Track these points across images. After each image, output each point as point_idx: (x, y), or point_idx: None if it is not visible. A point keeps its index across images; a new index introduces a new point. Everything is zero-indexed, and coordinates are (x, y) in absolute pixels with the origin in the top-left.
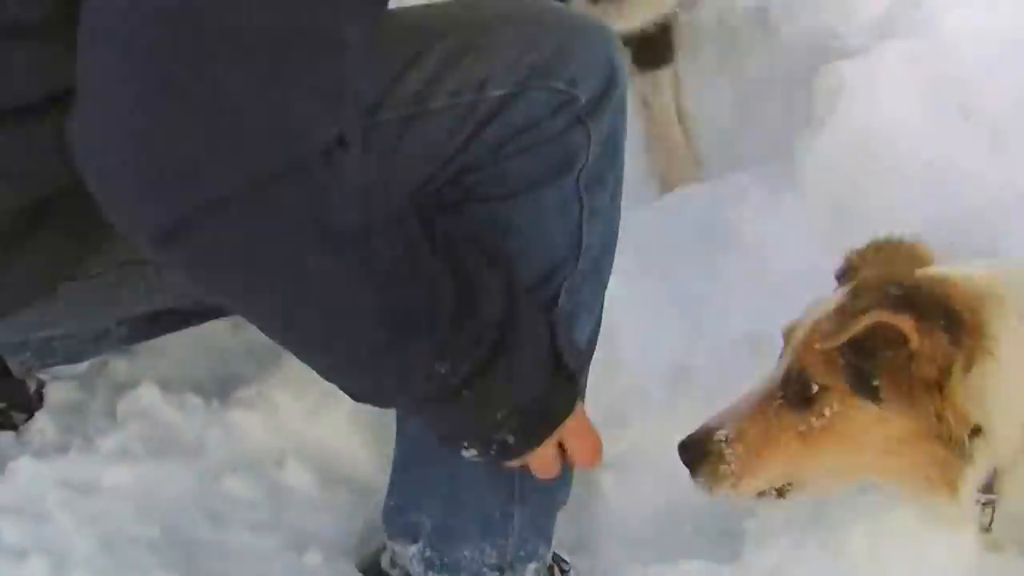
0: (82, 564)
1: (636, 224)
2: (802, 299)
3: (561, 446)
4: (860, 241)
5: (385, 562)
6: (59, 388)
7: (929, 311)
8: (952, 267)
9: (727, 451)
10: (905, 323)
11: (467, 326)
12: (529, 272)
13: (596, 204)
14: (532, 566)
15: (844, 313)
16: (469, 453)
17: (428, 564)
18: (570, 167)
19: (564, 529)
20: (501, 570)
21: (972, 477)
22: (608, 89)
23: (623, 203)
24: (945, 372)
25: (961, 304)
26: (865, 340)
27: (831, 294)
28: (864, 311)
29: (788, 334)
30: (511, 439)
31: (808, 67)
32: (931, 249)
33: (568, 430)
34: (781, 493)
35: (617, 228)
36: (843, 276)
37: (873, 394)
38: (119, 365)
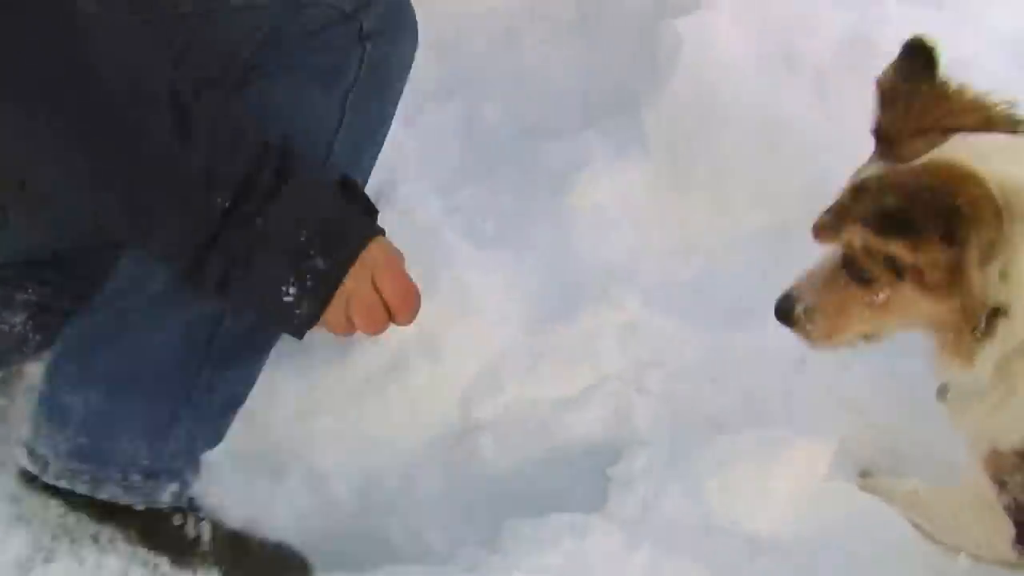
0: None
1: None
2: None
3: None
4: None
5: (22, 458)
6: None
7: (925, 222)
8: (970, 148)
9: (812, 319)
10: (896, 247)
11: (239, 159)
12: None
13: (356, 123)
14: (173, 487)
15: (840, 211)
16: (289, 294)
17: (76, 451)
18: (338, 80)
19: (444, 489)
20: (147, 476)
21: (990, 352)
22: (391, 22)
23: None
24: (954, 272)
25: (967, 199)
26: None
27: (866, 167)
28: (851, 221)
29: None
30: (321, 263)
31: (651, 16)
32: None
33: (381, 267)
34: (867, 339)
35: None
36: (877, 136)
37: (906, 282)
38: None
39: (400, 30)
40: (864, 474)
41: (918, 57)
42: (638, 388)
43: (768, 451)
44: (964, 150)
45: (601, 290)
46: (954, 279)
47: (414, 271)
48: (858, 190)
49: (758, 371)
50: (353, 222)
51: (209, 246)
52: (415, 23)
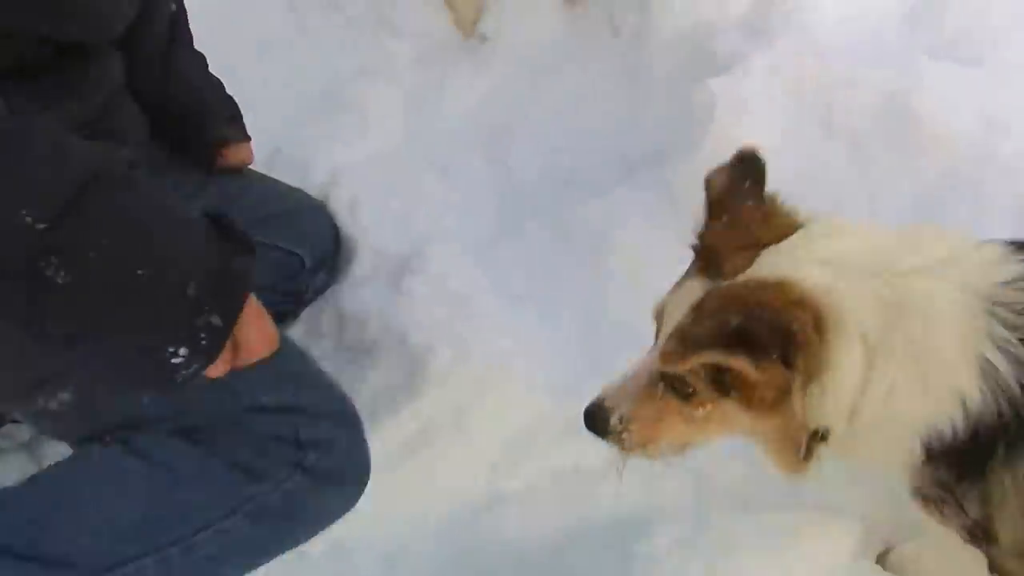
0: None
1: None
2: None
3: None
4: None
5: None
6: None
7: (764, 343)
8: (796, 270)
9: (626, 428)
10: (738, 362)
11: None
12: None
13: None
14: None
15: (684, 337)
16: (180, 355)
17: None
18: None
19: (469, 562)
20: None
21: (817, 468)
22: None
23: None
24: (784, 392)
25: (800, 324)
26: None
27: (687, 281)
28: (700, 347)
29: (658, 315)
30: (216, 319)
31: (686, 70)
32: (779, 202)
33: (254, 308)
34: (683, 448)
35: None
36: (696, 251)
37: (733, 398)
38: None
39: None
40: (885, 553)
41: (748, 167)
42: (666, 462)
43: (794, 530)
44: (784, 264)
45: (630, 354)
46: (780, 399)
47: (446, 347)
48: (697, 310)
49: None
50: (239, 261)
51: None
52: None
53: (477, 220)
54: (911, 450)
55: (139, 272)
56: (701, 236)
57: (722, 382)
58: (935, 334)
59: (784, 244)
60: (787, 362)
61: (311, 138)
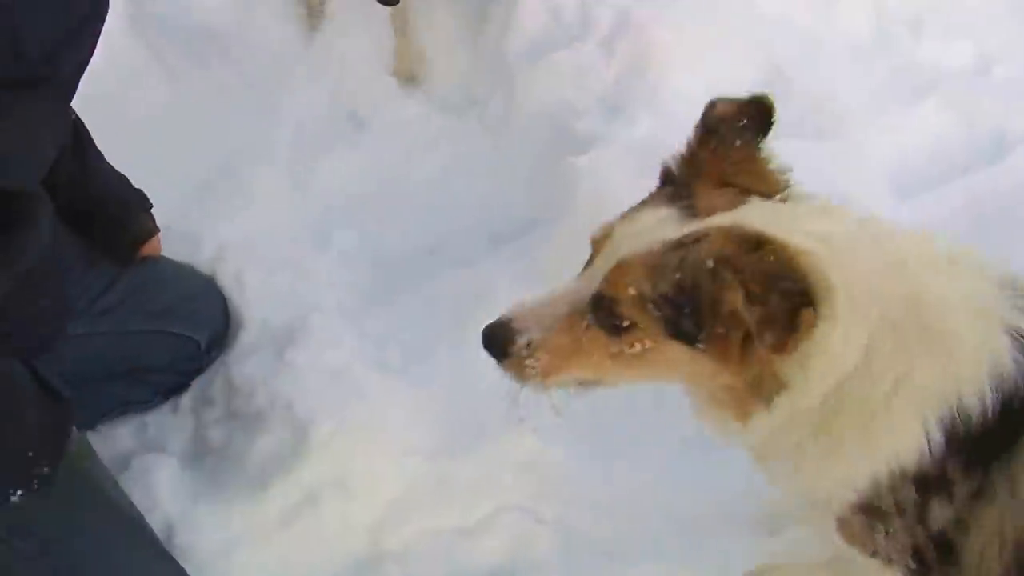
0: None
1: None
2: None
3: None
4: None
5: None
6: None
7: (783, 285)
8: (786, 230)
9: (532, 354)
10: (756, 312)
11: None
12: None
13: None
14: None
15: (674, 264)
16: (16, 495)
17: None
18: None
19: None
20: None
21: (767, 417)
22: None
23: None
24: (746, 346)
25: (807, 281)
26: (691, 296)
27: (649, 209)
28: (718, 287)
29: (598, 242)
30: (47, 469)
31: (549, 148)
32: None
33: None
34: (588, 384)
35: None
36: (667, 177)
37: (690, 341)
38: None
39: None
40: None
41: (759, 109)
42: (537, 519)
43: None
44: (769, 220)
45: (501, 420)
46: (743, 353)
47: (327, 415)
48: (696, 241)
49: (652, 501)
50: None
51: None
52: None
53: (353, 292)
54: (925, 434)
55: None
56: (681, 160)
57: (679, 323)
58: (953, 322)
59: (780, 206)
60: (793, 326)
61: (197, 216)
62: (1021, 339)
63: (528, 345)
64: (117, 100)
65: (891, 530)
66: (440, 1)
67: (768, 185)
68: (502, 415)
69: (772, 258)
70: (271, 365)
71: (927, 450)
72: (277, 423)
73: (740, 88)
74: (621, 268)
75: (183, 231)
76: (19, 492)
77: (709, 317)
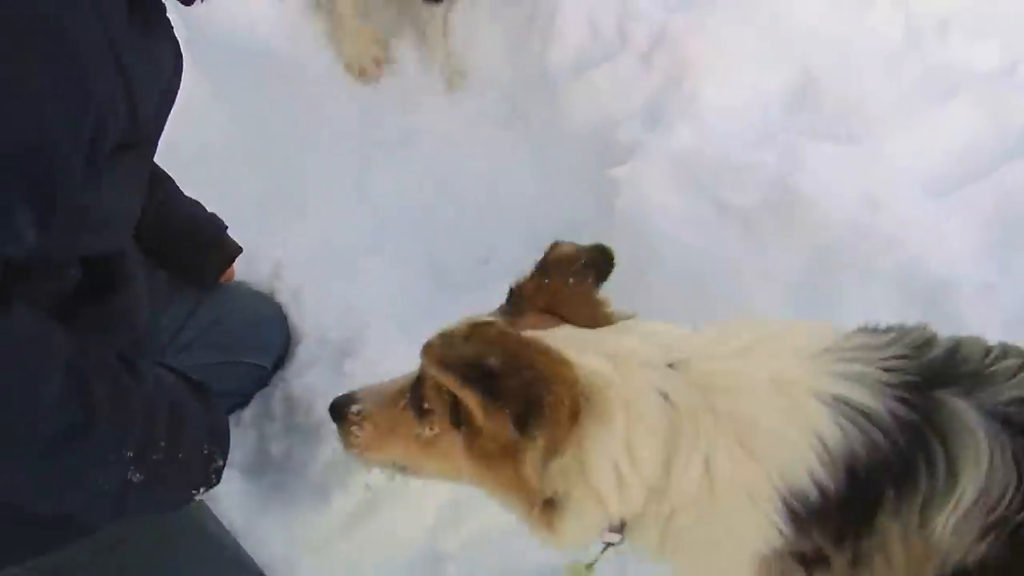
0: None
1: None
2: None
3: None
4: None
5: None
6: None
7: (506, 397)
8: (579, 354)
9: (358, 425)
10: (469, 397)
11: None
12: None
13: None
14: None
15: (446, 347)
16: (199, 492)
17: None
18: None
19: None
20: None
21: (571, 528)
22: None
23: None
24: (508, 454)
25: (555, 402)
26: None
27: (475, 319)
28: (450, 362)
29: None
30: (221, 461)
31: (591, 158)
32: (606, 303)
33: None
34: (403, 471)
35: None
36: (508, 302)
37: (463, 433)
38: None
39: None
40: None
41: (600, 258)
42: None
43: None
44: (569, 341)
45: None
46: (506, 457)
47: None
48: (474, 328)
49: None
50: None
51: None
52: None
53: (408, 301)
54: (768, 520)
55: (180, 455)
56: (518, 284)
57: (456, 413)
58: (751, 404)
59: (585, 332)
60: (521, 427)
61: (254, 234)
62: (841, 404)
63: (359, 414)
64: (172, 121)
65: None
66: (483, 16)
67: (593, 321)
68: None
69: (518, 357)
70: (329, 378)
71: (779, 536)
72: (336, 434)
73: (775, 96)
74: (429, 350)
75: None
76: (201, 489)
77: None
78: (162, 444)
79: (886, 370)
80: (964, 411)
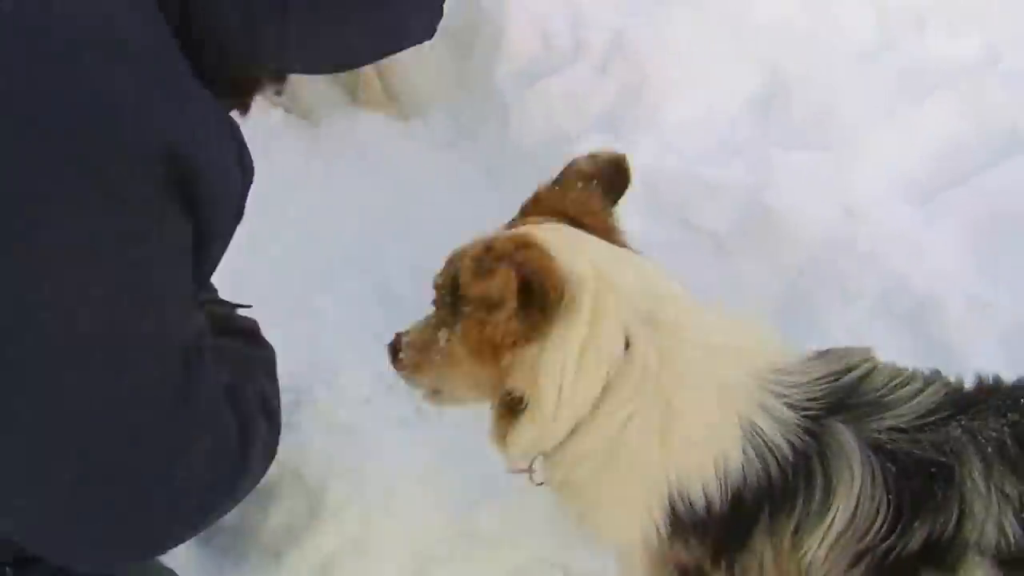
0: None
1: None
2: None
3: None
4: None
5: None
6: None
7: (491, 270)
8: (567, 247)
9: (403, 349)
10: (482, 284)
11: None
12: None
13: None
14: None
15: (450, 261)
16: None
17: None
18: None
19: None
20: None
21: (517, 439)
22: None
23: None
24: (505, 341)
25: (543, 282)
26: (455, 286)
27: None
28: (456, 259)
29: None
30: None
31: (545, 173)
32: (604, 206)
33: None
34: (435, 396)
35: None
36: (519, 212)
37: (456, 329)
38: None
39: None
40: None
41: (616, 173)
42: (564, 572)
43: None
44: (567, 245)
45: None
46: (489, 351)
47: (341, 478)
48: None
49: None
50: None
51: None
52: None
53: (363, 336)
54: (651, 514)
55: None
56: (535, 194)
57: (453, 310)
58: (695, 395)
59: (585, 235)
60: (525, 312)
61: None
62: (754, 434)
63: (405, 339)
64: None
65: None
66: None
67: (604, 233)
68: None
69: (510, 249)
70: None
71: (656, 535)
72: (289, 492)
73: (742, 104)
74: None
75: None
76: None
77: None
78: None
79: (807, 400)
80: (846, 439)
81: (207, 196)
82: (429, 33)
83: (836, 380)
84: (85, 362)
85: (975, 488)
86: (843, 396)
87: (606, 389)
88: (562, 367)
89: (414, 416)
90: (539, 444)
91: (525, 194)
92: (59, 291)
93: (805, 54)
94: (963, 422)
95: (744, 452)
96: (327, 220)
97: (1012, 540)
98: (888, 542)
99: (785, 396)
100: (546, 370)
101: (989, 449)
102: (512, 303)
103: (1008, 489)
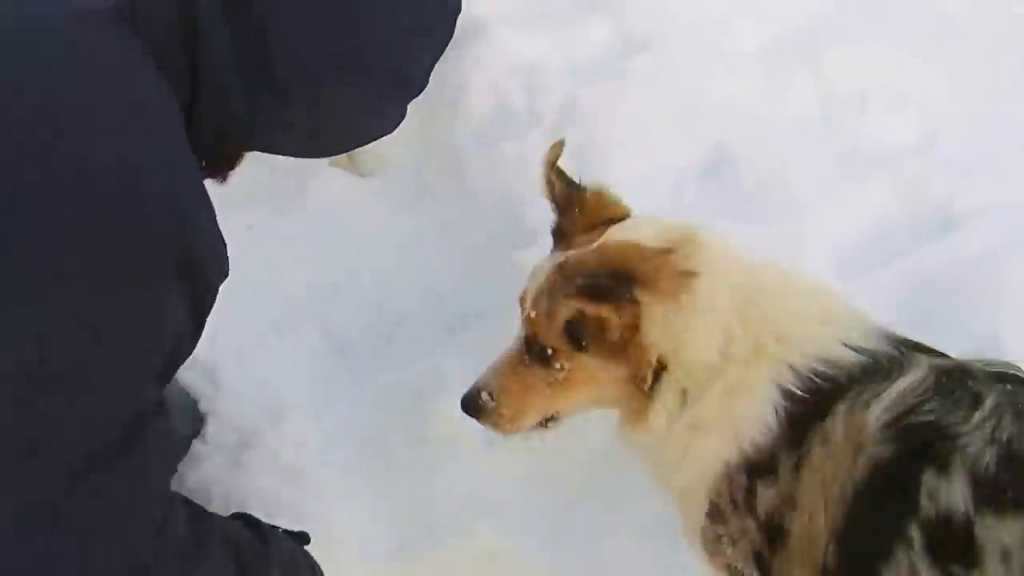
0: None
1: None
2: None
3: None
4: None
5: None
6: None
7: (619, 288)
8: (644, 226)
9: (496, 403)
10: (605, 311)
11: None
12: None
13: None
14: None
15: (551, 294)
16: None
17: None
18: None
19: None
20: None
21: (659, 410)
22: None
23: None
24: (633, 329)
25: (646, 264)
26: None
27: (548, 257)
28: (562, 301)
29: (522, 300)
30: None
31: (498, 236)
32: (614, 196)
33: None
34: (546, 424)
35: None
36: (555, 236)
37: (587, 350)
38: None
39: None
40: None
41: (563, 177)
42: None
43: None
44: (631, 232)
45: (458, 518)
46: (630, 337)
47: (283, 515)
48: (554, 275)
49: None
50: None
51: None
52: None
53: (314, 384)
54: (766, 401)
55: None
56: (555, 226)
57: (575, 336)
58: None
59: (627, 222)
60: (634, 301)
61: None
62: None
63: (490, 396)
64: None
65: (732, 534)
66: None
67: (615, 209)
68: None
69: (597, 256)
70: (226, 469)
71: (769, 425)
72: None
73: (688, 173)
74: (528, 303)
75: None
76: None
77: (580, 323)
78: None
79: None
80: (921, 359)
81: (204, 260)
82: (396, 126)
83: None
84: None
85: (981, 410)
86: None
87: (728, 323)
88: (698, 319)
89: (355, 462)
90: (684, 404)
91: (478, 249)
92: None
93: (752, 130)
94: (1007, 387)
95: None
96: (284, 269)
97: (990, 467)
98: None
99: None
100: (685, 328)
101: (1010, 404)
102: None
103: (1006, 434)
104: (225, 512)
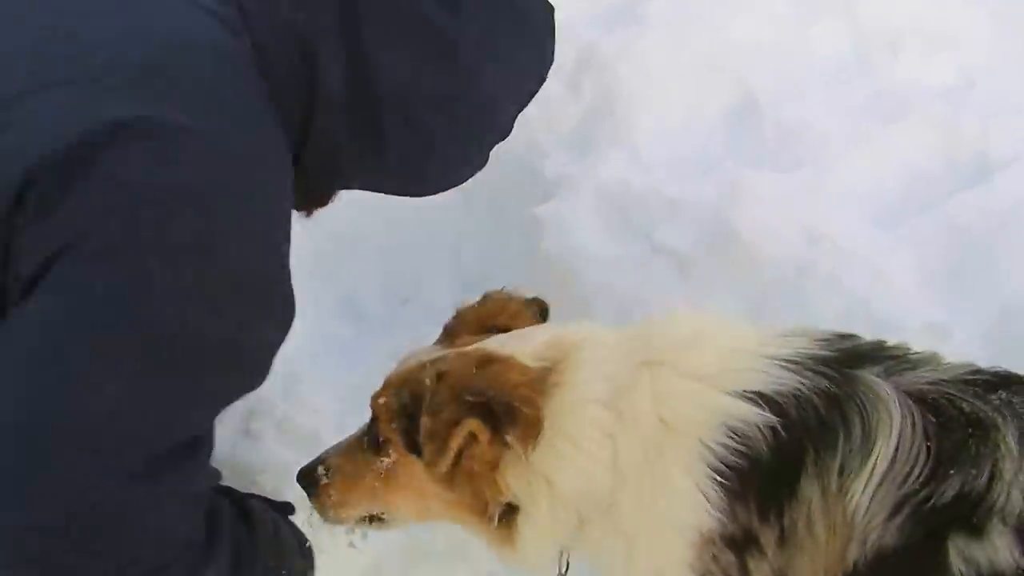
0: None
1: None
2: None
3: None
4: None
5: None
6: None
7: (479, 413)
8: (522, 347)
9: (328, 484)
10: (456, 427)
11: None
12: None
13: None
14: None
15: (412, 379)
16: None
17: None
18: None
19: None
20: None
21: (537, 541)
22: None
23: None
24: (484, 463)
25: (519, 399)
26: (411, 409)
27: (424, 349)
28: (414, 400)
29: (385, 383)
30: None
31: (515, 191)
32: (524, 305)
33: None
34: (372, 522)
35: None
36: (445, 333)
37: (419, 451)
38: None
39: None
40: None
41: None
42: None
43: None
44: (510, 346)
45: None
46: (481, 472)
47: (295, 483)
48: (428, 367)
49: None
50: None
51: None
52: None
53: (330, 347)
54: (703, 486)
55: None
56: (455, 314)
57: (411, 434)
58: (681, 388)
59: (514, 333)
60: (502, 435)
61: None
62: (770, 379)
63: (327, 471)
64: None
65: None
66: None
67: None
68: None
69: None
70: (235, 440)
71: (708, 505)
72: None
73: (712, 121)
74: (382, 386)
75: None
76: None
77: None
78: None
79: (819, 357)
80: (880, 385)
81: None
82: (480, 169)
83: (846, 341)
84: None
85: (1008, 453)
86: (863, 352)
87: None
88: (565, 459)
89: None
90: (563, 527)
91: (499, 208)
92: None
93: (779, 73)
94: (1002, 395)
95: (775, 392)
96: (296, 228)
97: None
98: (927, 489)
99: (790, 357)
100: (550, 469)
101: None
102: (486, 435)
103: None
104: (236, 483)
